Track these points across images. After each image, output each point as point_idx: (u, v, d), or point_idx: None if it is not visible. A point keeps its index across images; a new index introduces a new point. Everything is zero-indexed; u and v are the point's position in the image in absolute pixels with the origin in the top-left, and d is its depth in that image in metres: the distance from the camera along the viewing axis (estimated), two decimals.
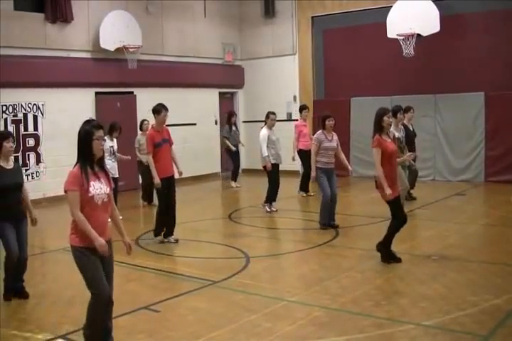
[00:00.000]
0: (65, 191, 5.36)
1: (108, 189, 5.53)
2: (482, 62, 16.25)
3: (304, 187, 14.99)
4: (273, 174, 12.94)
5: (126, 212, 12.53)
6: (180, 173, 10.48)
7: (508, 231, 10.68)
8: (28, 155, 14.85)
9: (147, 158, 10.30)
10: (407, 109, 13.21)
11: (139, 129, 14.79)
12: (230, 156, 17.86)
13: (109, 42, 16.12)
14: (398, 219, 8.57)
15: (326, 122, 11.12)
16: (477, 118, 16.41)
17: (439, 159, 16.74)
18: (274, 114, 13.17)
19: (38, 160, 14.95)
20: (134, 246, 6.41)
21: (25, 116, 14.91)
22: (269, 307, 6.80)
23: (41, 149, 14.99)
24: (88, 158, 5.45)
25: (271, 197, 13.14)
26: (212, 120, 19.83)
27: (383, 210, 11.78)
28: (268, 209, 13.03)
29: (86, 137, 5.47)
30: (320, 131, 11.20)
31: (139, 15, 17.04)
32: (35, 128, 14.97)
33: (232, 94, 21.33)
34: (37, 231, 9.92)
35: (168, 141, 10.31)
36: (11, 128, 14.48)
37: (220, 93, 20.52)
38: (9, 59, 14.10)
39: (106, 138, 12.43)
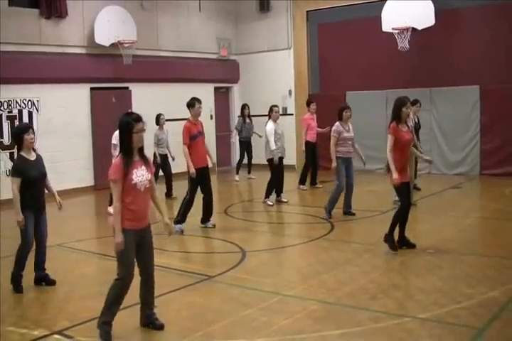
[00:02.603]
0: (109, 182, 5.77)
1: (149, 175, 5.86)
2: (477, 55, 16.25)
3: (308, 179, 15.14)
4: (279, 167, 13.01)
5: None
6: (213, 164, 11.01)
7: (503, 224, 10.70)
8: None
9: (183, 149, 10.53)
10: (414, 102, 13.19)
11: (155, 124, 14.69)
12: (242, 148, 17.87)
13: (104, 37, 16.08)
14: (401, 205, 8.76)
15: (344, 113, 11.45)
16: (472, 112, 16.41)
17: (435, 152, 16.72)
18: (277, 106, 13.38)
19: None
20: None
21: (20, 112, 14.88)
22: (266, 302, 6.82)
23: (36, 145, 14.88)
24: (128, 148, 5.73)
25: (271, 190, 13.18)
26: (207, 115, 19.80)
27: (379, 204, 11.86)
28: (270, 203, 13.06)
29: (126, 129, 5.71)
30: (338, 123, 11.45)
31: (133, 10, 16.99)
32: (31, 124, 14.90)
33: (228, 88, 21.29)
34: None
35: (202, 134, 10.72)
36: (6, 124, 14.48)
37: (215, 88, 20.49)
38: (4, 55, 14.05)
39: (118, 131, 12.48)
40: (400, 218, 8.81)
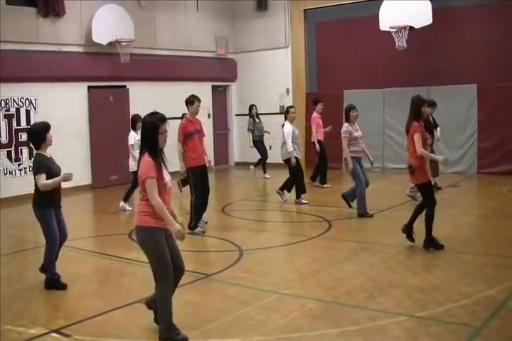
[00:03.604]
0: (144, 180, 5.53)
1: (170, 176, 5.79)
2: (475, 54, 16.26)
3: (322, 178, 15.24)
4: (298, 166, 12.97)
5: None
6: (209, 162, 10.76)
7: (501, 222, 10.71)
8: (21, 149, 14.83)
9: (177, 147, 10.48)
10: (432, 104, 13.05)
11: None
12: (257, 148, 17.81)
13: (101, 36, 16.06)
14: (429, 205, 8.78)
15: (351, 113, 11.47)
16: (470, 110, 16.43)
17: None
18: (293, 107, 13.41)
19: (31, 155, 14.88)
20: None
21: (17, 110, 14.88)
22: (263, 300, 6.81)
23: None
24: (155, 149, 5.64)
25: (289, 186, 13.13)
26: (205, 113, 19.79)
27: (377, 203, 11.86)
28: (284, 198, 13.10)
29: (152, 130, 5.64)
30: (346, 124, 11.46)
31: (131, 9, 16.98)
32: (28, 122, 14.89)
33: (225, 87, 21.29)
34: (30, 225, 9.94)
35: (200, 132, 10.62)
36: (3, 122, 14.48)
37: (212, 86, 20.48)
38: (1, 53, 14.05)
39: (132, 131, 12.49)
40: (431, 218, 8.81)
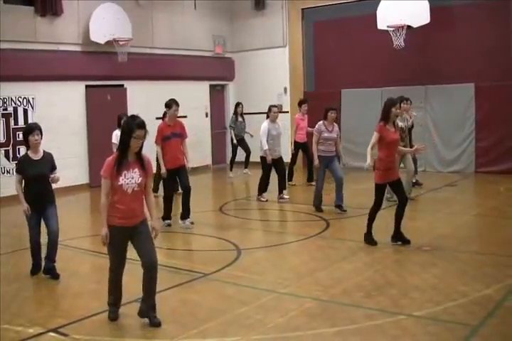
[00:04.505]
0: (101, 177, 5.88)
1: (140, 179, 5.89)
2: (472, 53, 16.26)
3: (309, 176, 15.36)
4: (279, 165, 13.09)
5: None
6: (188, 167, 10.89)
7: (498, 221, 10.73)
8: (19, 149, 14.77)
9: (156, 149, 10.73)
10: (404, 100, 13.01)
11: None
12: (241, 146, 17.79)
13: (99, 35, 16.03)
14: (374, 204, 9.17)
15: (328, 114, 11.76)
16: (467, 110, 16.44)
17: (430, 150, 16.70)
18: (275, 106, 13.44)
19: None
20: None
21: (15, 109, 14.84)
22: (261, 299, 6.82)
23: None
24: (124, 150, 5.85)
25: (263, 187, 13.30)
26: (202, 112, 19.80)
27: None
28: (263, 199, 13.20)
29: (127, 132, 5.81)
30: (321, 122, 11.77)
31: (129, 8, 16.94)
32: (26, 121, 14.86)
33: (223, 86, 21.26)
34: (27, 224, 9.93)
35: (180, 135, 10.77)
36: (1, 122, 14.47)
37: (210, 85, 20.46)
38: None
39: (117, 130, 12.48)
40: (373, 215, 9.16)
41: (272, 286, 7.30)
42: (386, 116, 8.93)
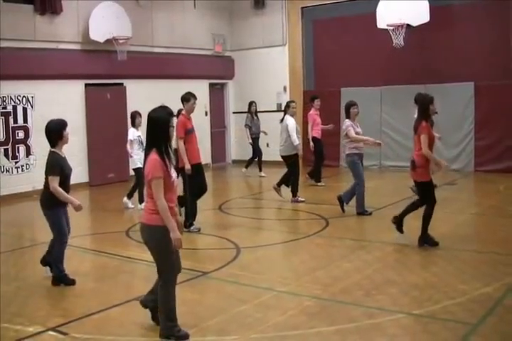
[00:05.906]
0: (150, 179, 5.38)
1: (175, 173, 5.63)
2: (472, 52, 16.27)
3: (316, 175, 15.12)
4: (297, 164, 12.93)
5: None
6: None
7: (498, 220, 10.72)
8: (18, 147, 14.80)
9: (178, 144, 10.10)
10: None
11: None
12: (255, 145, 17.69)
13: (98, 33, 16.03)
14: (429, 204, 8.88)
15: (351, 110, 11.32)
16: (467, 109, 16.44)
17: None
18: (294, 102, 13.36)
19: (28, 153, 14.92)
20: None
21: (14, 108, 14.85)
22: (260, 298, 6.83)
23: (31, 141, 14.94)
24: (164, 145, 5.48)
25: (297, 186, 12.93)
26: (202, 111, 19.79)
27: (374, 201, 11.86)
28: (302, 199, 12.79)
29: (164, 124, 5.51)
30: (348, 120, 11.30)
31: (128, 6, 16.94)
32: (25, 120, 14.91)
33: (223, 85, 21.28)
34: (28, 224, 9.94)
35: (194, 130, 10.44)
36: (0, 120, 14.46)
37: (210, 84, 20.48)
38: None
39: (132, 127, 12.45)
40: (431, 216, 8.87)
41: (272, 285, 7.30)
42: (426, 115, 8.73)
